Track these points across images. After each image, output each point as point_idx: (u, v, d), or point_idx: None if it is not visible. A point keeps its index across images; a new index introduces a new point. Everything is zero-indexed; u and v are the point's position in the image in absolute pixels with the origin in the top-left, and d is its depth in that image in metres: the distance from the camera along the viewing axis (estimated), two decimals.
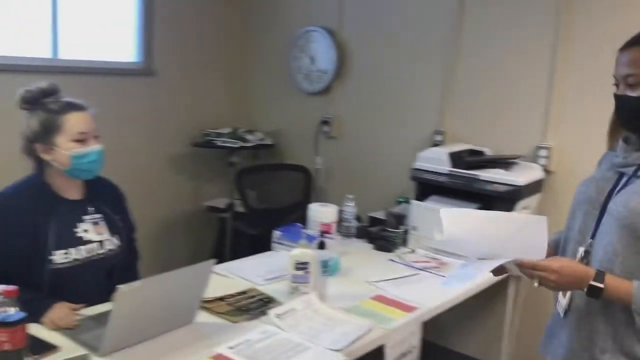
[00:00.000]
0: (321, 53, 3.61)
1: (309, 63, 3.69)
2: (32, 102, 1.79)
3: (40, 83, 1.81)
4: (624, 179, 1.43)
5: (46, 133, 1.76)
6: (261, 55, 4.04)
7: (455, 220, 1.48)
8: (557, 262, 1.37)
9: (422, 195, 2.75)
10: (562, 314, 1.52)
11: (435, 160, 2.71)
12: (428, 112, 3.21)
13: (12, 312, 1.31)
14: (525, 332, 2.88)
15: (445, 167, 2.69)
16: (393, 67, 3.34)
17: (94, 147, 1.79)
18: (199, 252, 4.00)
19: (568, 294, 1.49)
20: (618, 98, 1.41)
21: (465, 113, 3.10)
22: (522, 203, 2.57)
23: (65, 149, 1.75)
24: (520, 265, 1.38)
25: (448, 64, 3.12)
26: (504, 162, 2.71)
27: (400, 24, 3.30)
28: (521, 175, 2.58)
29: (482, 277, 2.26)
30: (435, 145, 3.09)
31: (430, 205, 2.64)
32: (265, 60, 4.02)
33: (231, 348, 1.57)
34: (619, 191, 1.42)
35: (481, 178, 2.59)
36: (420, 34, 3.22)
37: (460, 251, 1.74)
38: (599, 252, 1.41)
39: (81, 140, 1.77)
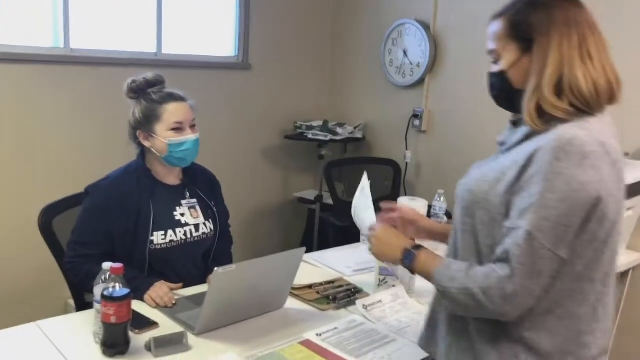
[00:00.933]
0: (414, 46, 3.56)
1: (401, 56, 3.65)
2: (138, 91, 1.90)
3: (147, 74, 1.91)
4: None
5: (147, 121, 1.86)
6: (354, 49, 4.05)
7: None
8: (382, 228, 1.39)
9: None
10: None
11: None
12: None
13: (118, 288, 1.40)
14: (623, 332, 2.72)
15: None
16: (488, 60, 3.23)
17: (189, 136, 1.87)
18: (288, 241, 4.10)
19: None
20: (488, 76, 1.29)
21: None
22: (627, 203, 2.41)
23: (163, 137, 1.85)
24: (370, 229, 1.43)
25: None
26: None
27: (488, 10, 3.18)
28: (627, 173, 2.41)
29: None
30: None
31: None
32: (358, 54, 4.02)
33: (319, 335, 1.60)
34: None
35: None
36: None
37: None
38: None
39: (178, 129, 1.86)
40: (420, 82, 3.59)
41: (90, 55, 3.10)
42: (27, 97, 2.92)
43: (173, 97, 1.88)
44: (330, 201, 3.67)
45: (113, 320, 1.39)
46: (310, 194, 3.99)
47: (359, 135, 3.92)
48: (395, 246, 1.33)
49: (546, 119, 1.14)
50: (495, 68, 1.25)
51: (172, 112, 1.86)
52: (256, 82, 3.83)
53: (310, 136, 3.80)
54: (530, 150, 1.12)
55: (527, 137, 1.17)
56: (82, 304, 1.96)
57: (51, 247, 1.96)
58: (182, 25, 3.48)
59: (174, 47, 3.45)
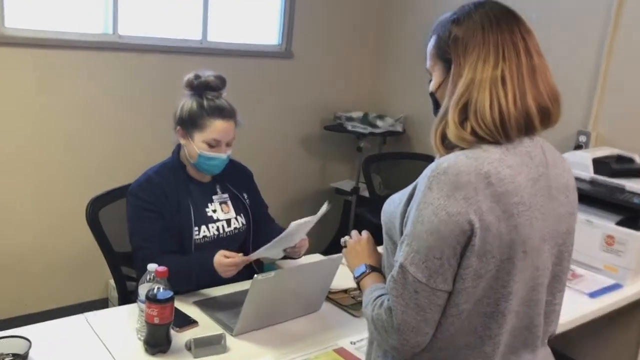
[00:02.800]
0: None
1: None
2: (195, 89, 1.89)
3: (209, 75, 1.89)
4: None
5: (190, 124, 1.87)
6: (398, 40, 4.00)
7: None
8: (366, 239, 1.34)
9: None
10: None
11: (577, 165, 2.53)
12: (573, 110, 3.00)
13: (162, 290, 1.45)
14: None
15: (588, 173, 2.51)
16: None
17: (221, 154, 1.88)
18: (323, 233, 4.12)
19: None
20: None
21: (616, 113, 2.87)
22: None
23: (197, 146, 1.86)
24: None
25: (600, 55, 2.89)
26: None
27: (547, 11, 3.09)
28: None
29: (616, 296, 2.17)
30: (579, 147, 2.89)
31: None
32: (402, 45, 3.97)
33: (353, 343, 1.62)
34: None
35: (627, 189, 2.40)
36: (569, 22, 3.00)
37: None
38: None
39: (214, 146, 1.87)
40: None
41: (138, 42, 3.15)
42: (75, 83, 3.00)
43: (222, 114, 1.86)
44: (366, 193, 3.68)
45: (156, 321, 1.44)
46: (347, 185, 4.00)
47: (399, 128, 3.89)
48: (359, 259, 1.32)
49: (449, 144, 1.08)
50: (429, 88, 1.19)
51: (215, 129, 1.85)
52: (298, 71, 3.83)
53: (349, 128, 3.79)
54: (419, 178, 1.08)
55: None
56: (125, 294, 2.02)
57: (97, 237, 2.02)
58: (227, 13, 3.50)
59: (219, 35, 3.48)
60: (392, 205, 1.16)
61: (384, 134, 3.85)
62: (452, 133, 1.06)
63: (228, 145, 1.91)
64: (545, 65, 1.10)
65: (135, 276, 1.95)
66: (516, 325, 1.11)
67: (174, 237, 1.85)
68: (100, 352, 1.49)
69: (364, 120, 3.81)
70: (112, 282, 3.02)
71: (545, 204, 1.09)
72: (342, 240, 1.41)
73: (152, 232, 1.82)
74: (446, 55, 1.11)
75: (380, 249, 1.30)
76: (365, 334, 1.66)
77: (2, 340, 1.39)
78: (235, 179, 2.05)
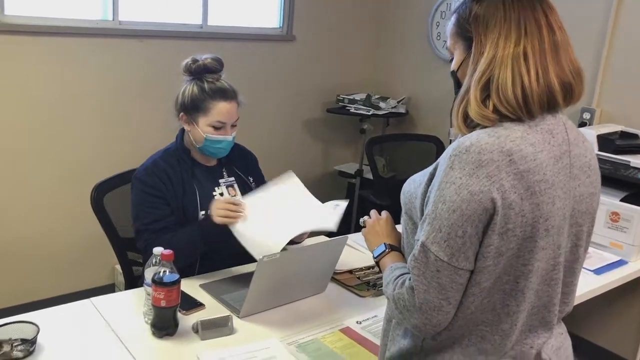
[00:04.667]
0: None
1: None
2: (194, 73, 1.89)
3: (207, 58, 1.89)
4: None
5: (193, 108, 1.87)
6: (400, 21, 3.96)
7: None
8: (385, 218, 1.36)
9: None
10: None
11: None
12: None
13: (168, 273, 1.46)
14: None
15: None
16: None
17: (227, 136, 1.88)
18: None
19: None
20: None
21: (620, 90, 2.85)
22: None
23: (202, 130, 1.86)
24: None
25: (604, 32, 2.86)
26: None
27: None
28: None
29: (621, 273, 2.18)
30: (583, 124, 2.88)
31: None
32: (404, 26, 3.94)
33: (359, 323, 1.63)
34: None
35: (632, 165, 2.39)
36: None
37: None
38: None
39: (219, 128, 1.86)
40: None
41: (138, 27, 3.14)
42: (76, 70, 2.99)
43: (224, 95, 1.86)
44: (370, 176, 3.67)
45: (163, 304, 1.45)
46: (350, 168, 4.00)
47: (402, 109, 3.88)
48: (379, 239, 1.32)
49: (471, 123, 1.08)
50: (451, 67, 1.19)
51: (218, 111, 1.85)
52: (300, 54, 3.81)
53: (352, 110, 3.78)
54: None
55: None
56: (131, 279, 2.04)
57: (102, 221, 2.03)
58: None
59: (219, 19, 3.45)
60: (413, 185, 1.16)
61: (387, 115, 3.83)
62: (473, 111, 1.06)
63: (233, 126, 1.91)
64: (567, 41, 1.09)
65: (142, 260, 1.96)
66: (535, 304, 1.11)
67: (178, 221, 1.86)
68: (107, 336, 1.50)
69: (367, 102, 3.80)
70: (118, 267, 3.05)
71: (567, 183, 1.08)
72: (361, 220, 1.42)
73: (155, 217, 1.82)
74: (467, 33, 1.11)
75: (398, 228, 1.30)
76: (371, 314, 1.68)
77: (10, 325, 1.41)
78: (241, 163, 2.05)
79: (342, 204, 1.74)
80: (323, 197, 1.92)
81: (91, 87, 3.05)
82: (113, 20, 3.06)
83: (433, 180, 1.07)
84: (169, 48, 3.23)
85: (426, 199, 1.07)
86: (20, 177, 2.95)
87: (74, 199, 3.00)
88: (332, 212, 1.80)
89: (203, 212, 1.88)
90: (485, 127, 1.05)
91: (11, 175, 2.92)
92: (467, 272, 1.03)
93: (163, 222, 1.82)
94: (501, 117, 1.05)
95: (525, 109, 1.04)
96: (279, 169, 1.98)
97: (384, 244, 1.28)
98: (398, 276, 1.13)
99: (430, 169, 1.11)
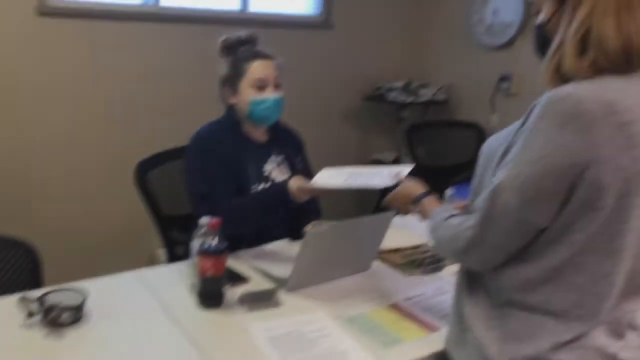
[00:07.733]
0: (506, 4, 3.39)
1: (491, 15, 3.49)
2: (229, 49, 1.91)
3: (240, 32, 1.91)
4: None
5: (233, 78, 1.87)
6: (441, 7, 3.90)
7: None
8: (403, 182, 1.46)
9: None
10: None
11: None
12: None
13: (215, 242, 1.44)
14: None
15: None
16: None
17: (270, 94, 1.86)
18: (365, 204, 4.08)
19: None
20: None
21: None
22: None
23: (245, 94, 1.85)
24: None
25: None
26: None
27: None
28: None
29: None
30: None
31: None
32: (445, 13, 3.87)
33: (408, 299, 1.59)
34: None
35: None
36: None
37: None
38: None
39: (260, 87, 1.85)
40: (510, 43, 3.42)
41: (178, 13, 3.15)
42: (117, 55, 3.01)
43: (259, 55, 1.88)
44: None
45: (209, 273, 1.43)
46: (388, 157, 3.94)
47: (441, 97, 3.81)
48: (411, 192, 1.40)
49: (563, 76, 1.03)
50: (536, 21, 1.14)
51: (255, 69, 1.85)
52: (338, 42, 3.77)
53: (390, 98, 3.72)
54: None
55: None
56: (173, 258, 2.03)
57: (146, 200, 2.03)
58: None
59: (259, 5, 3.44)
60: (497, 141, 1.13)
61: (426, 103, 3.77)
62: (570, 65, 1.02)
63: (276, 87, 1.89)
64: None
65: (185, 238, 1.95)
66: (635, 268, 1.05)
67: (234, 190, 1.83)
68: (154, 306, 1.49)
69: (406, 89, 3.74)
70: (158, 252, 3.06)
71: None
72: (385, 199, 1.46)
73: (215, 183, 1.79)
74: None
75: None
76: (419, 290, 1.64)
77: (60, 292, 1.41)
78: (289, 144, 2.04)
79: (405, 170, 1.68)
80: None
81: (131, 71, 3.07)
82: (154, 4, 3.07)
83: (520, 128, 1.04)
84: (208, 33, 3.20)
85: (508, 150, 1.05)
86: (61, 162, 2.98)
87: (114, 185, 3.02)
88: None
89: (254, 187, 1.86)
90: (580, 80, 1.01)
91: (52, 159, 2.96)
92: (532, 225, 1.00)
93: (223, 189, 1.78)
94: (599, 71, 1.01)
95: (626, 62, 1.00)
96: (316, 158, 1.96)
97: (420, 192, 1.36)
98: (448, 217, 1.15)
99: (517, 123, 1.07)
